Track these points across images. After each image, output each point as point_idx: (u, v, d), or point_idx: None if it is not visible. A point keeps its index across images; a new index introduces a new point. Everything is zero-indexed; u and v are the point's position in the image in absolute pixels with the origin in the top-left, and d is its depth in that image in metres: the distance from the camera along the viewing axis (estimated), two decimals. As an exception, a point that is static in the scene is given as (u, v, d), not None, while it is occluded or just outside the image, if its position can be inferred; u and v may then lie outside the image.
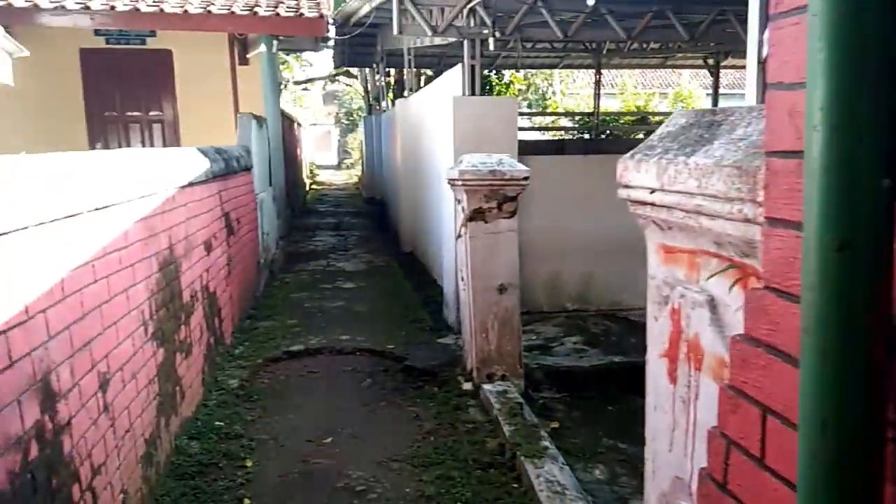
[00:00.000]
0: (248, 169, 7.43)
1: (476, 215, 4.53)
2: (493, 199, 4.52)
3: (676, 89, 21.15)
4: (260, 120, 9.33)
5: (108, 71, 10.01)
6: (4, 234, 1.97)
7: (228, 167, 6.08)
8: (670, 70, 25.60)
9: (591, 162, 7.09)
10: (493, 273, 4.64)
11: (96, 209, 2.73)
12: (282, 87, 18.82)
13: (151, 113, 10.21)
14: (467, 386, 4.77)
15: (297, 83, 23.94)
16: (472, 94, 6.32)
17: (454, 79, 6.56)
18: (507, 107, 6.39)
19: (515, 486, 3.54)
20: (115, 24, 8.78)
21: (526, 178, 4.49)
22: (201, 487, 3.45)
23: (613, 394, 4.91)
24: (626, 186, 1.59)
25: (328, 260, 9.98)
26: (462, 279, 4.89)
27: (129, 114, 10.15)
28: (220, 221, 5.61)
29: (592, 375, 5.11)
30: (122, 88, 10.07)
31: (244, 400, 4.66)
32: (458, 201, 4.77)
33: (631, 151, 1.61)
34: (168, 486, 3.39)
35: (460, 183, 4.46)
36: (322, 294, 7.72)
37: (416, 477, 3.66)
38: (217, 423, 4.19)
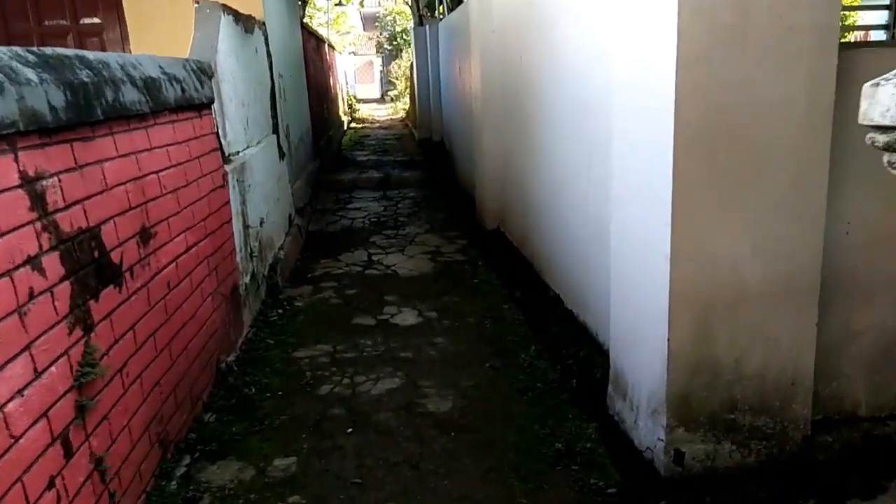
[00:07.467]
0: (200, 106, 3.62)
1: None
2: None
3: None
4: (246, 21, 5.44)
5: (10, -45, 6.23)
6: None
7: (88, 104, 2.26)
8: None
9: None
10: None
11: None
12: (307, -2, 14.72)
13: (84, 20, 6.40)
14: None
15: (328, -2, 19.72)
16: None
17: None
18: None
19: None
20: None
21: None
22: None
23: None
24: None
25: (370, 251, 6.16)
26: None
27: (50, 23, 6.36)
28: None
29: None
30: (36, -18, 6.28)
31: None
32: None
33: None
34: None
35: None
36: (357, 348, 3.94)
37: None
38: None
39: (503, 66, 6.02)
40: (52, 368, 1.87)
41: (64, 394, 1.91)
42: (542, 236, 5.02)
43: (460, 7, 8.29)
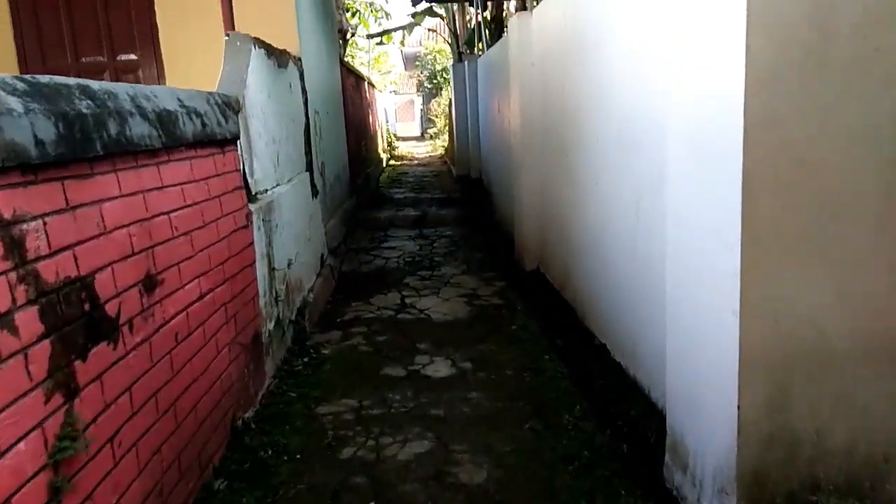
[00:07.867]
0: (223, 142, 3.41)
1: None
2: None
3: None
4: (280, 55, 5.30)
5: (51, -5, 6.27)
6: None
7: (86, 138, 2.05)
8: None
9: None
10: None
11: None
12: (348, 36, 14.86)
13: (121, 57, 6.39)
14: None
15: (370, 37, 19.93)
16: None
17: None
18: None
19: None
20: None
21: None
22: None
23: None
24: None
25: (403, 293, 5.87)
26: None
27: (88, 59, 6.36)
28: None
29: None
30: (75, 22, 6.30)
31: None
32: None
33: None
34: None
35: None
36: (385, 403, 3.61)
37: None
38: None
39: (543, 99, 5.76)
40: (20, 445, 1.61)
41: (35, 475, 1.64)
42: (585, 278, 4.67)
43: (500, 42, 8.12)
